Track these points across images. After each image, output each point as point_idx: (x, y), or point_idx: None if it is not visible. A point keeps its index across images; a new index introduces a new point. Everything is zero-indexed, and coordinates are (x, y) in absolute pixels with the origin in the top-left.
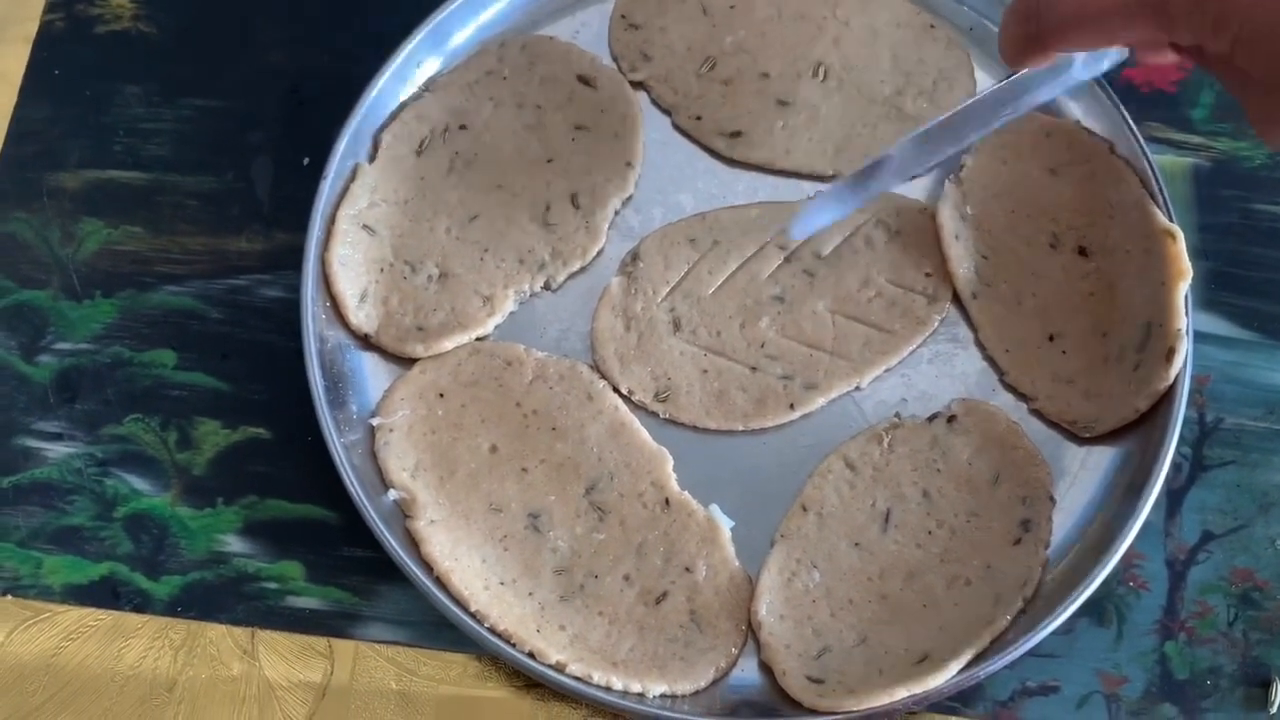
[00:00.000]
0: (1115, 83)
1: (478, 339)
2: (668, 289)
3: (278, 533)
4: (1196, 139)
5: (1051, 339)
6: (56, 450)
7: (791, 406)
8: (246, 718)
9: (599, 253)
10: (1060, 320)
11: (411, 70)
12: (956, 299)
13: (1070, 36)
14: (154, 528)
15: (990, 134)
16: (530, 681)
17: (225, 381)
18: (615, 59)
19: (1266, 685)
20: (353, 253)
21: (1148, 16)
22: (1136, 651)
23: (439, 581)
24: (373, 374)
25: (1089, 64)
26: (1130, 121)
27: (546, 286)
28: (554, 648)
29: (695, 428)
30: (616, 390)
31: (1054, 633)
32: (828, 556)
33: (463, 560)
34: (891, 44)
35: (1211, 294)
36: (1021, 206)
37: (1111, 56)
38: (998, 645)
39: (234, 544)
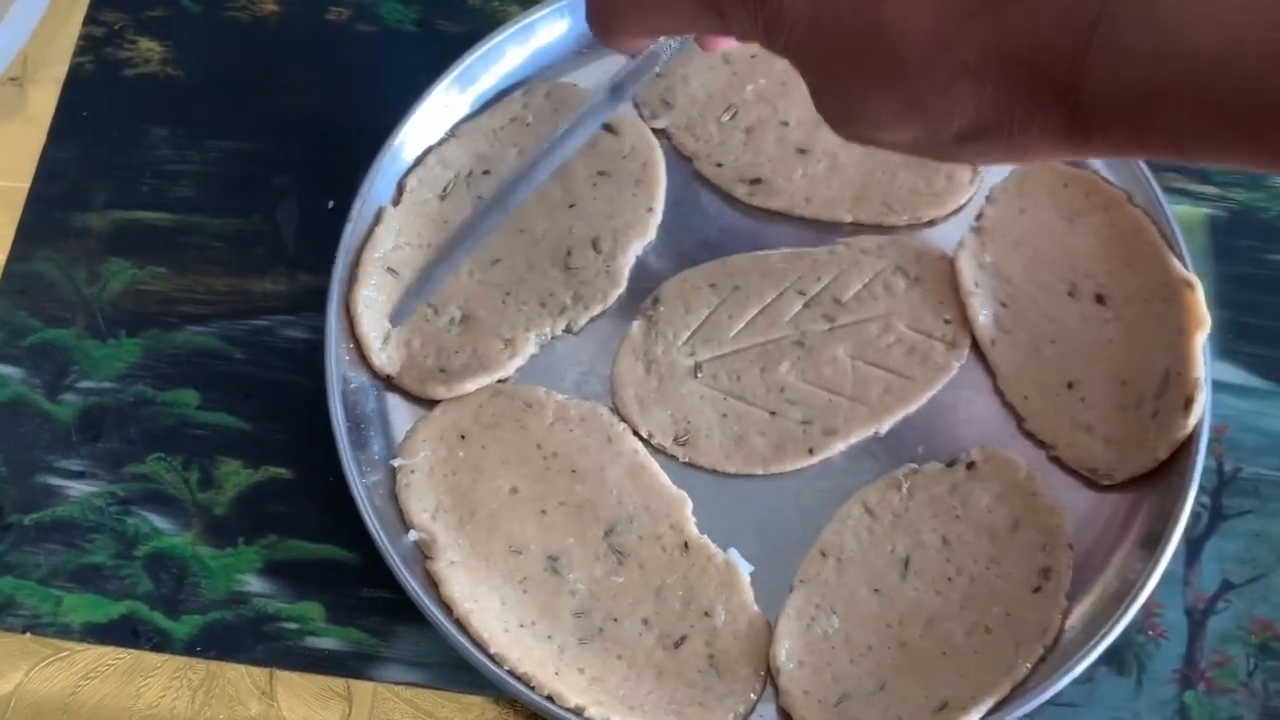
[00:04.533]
0: None
1: (499, 381)
2: (688, 333)
3: (298, 573)
4: (1212, 190)
5: (1070, 386)
6: (78, 488)
7: (810, 451)
8: None
9: (619, 297)
10: (1079, 368)
11: (436, 116)
12: (975, 346)
13: (632, 23)
14: (174, 567)
15: (1010, 183)
16: None
17: (247, 421)
18: (637, 106)
19: None
20: (376, 295)
21: (708, 14)
22: (1156, 701)
23: (458, 623)
24: (395, 415)
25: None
26: (1147, 172)
27: (568, 329)
28: (573, 691)
29: (714, 471)
30: (636, 433)
31: (1074, 681)
32: (847, 602)
33: (482, 602)
34: None
35: (1229, 343)
36: (1040, 255)
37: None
38: (1017, 693)
39: (254, 584)
